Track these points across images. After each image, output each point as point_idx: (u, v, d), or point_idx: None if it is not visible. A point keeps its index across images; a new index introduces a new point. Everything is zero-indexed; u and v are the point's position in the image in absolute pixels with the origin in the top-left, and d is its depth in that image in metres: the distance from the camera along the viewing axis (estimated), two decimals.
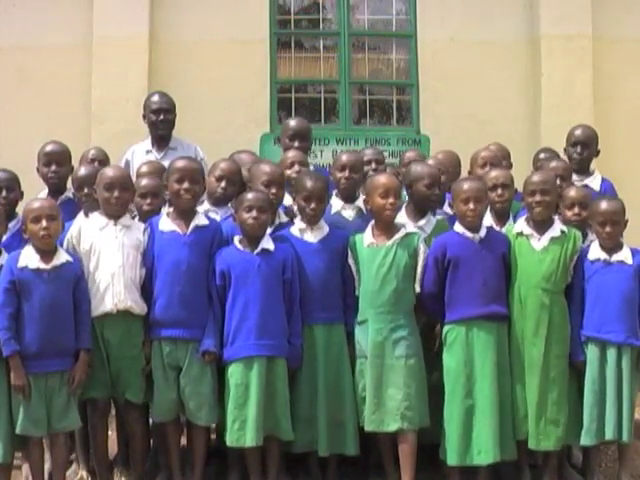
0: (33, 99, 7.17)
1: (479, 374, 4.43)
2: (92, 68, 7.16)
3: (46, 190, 5.10)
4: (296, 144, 5.36)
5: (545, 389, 4.48)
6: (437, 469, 4.58)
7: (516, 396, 4.51)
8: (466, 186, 4.56)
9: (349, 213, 4.86)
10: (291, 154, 5.14)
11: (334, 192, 4.94)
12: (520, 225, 4.65)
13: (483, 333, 4.46)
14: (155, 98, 5.85)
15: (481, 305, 4.45)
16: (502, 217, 4.85)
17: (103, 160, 5.32)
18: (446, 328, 4.53)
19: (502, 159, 5.49)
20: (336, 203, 4.91)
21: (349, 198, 4.89)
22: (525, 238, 4.60)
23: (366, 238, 4.57)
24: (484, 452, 4.38)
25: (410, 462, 4.41)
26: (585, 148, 5.53)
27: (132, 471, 4.64)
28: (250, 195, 4.52)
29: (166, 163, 5.51)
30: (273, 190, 4.67)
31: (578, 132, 5.59)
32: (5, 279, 4.25)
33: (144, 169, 5.07)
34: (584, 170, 5.47)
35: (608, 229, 4.58)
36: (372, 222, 4.61)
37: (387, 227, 4.55)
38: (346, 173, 4.85)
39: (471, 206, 4.50)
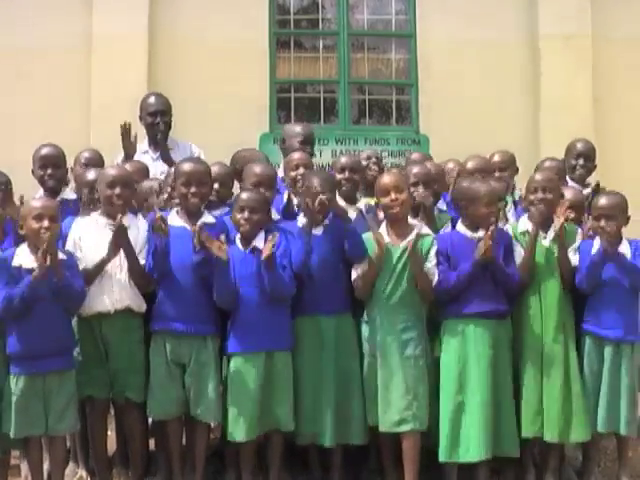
0: (33, 99, 7.18)
1: (473, 371, 4.44)
2: (92, 68, 7.18)
3: (41, 191, 5.09)
4: (308, 150, 5.46)
5: (569, 382, 4.51)
6: (439, 470, 4.58)
7: (526, 393, 4.51)
8: (484, 189, 4.60)
9: (351, 214, 4.86)
10: (296, 156, 5.16)
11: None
12: (524, 224, 4.69)
13: (479, 330, 4.47)
14: (151, 100, 5.84)
15: (478, 302, 4.47)
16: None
17: (97, 163, 5.24)
18: (443, 324, 4.56)
19: (509, 165, 5.55)
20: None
21: (350, 199, 4.93)
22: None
23: None
24: (472, 449, 4.39)
25: (414, 462, 4.42)
26: (588, 160, 5.63)
27: (131, 471, 4.63)
28: (243, 195, 4.56)
29: (162, 163, 5.60)
30: (262, 190, 4.69)
31: (580, 145, 5.69)
32: (1, 280, 4.23)
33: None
34: (582, 182, 5.54)
35: (602, 223, 4.60)
36: (385, 221, 4.61)
37: (399, 226, 4.53)
38: (346, 174, 4.93)
39: (492, 209, 4.57)
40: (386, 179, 4.59)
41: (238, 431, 4.38)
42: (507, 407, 4.48)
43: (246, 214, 4.47)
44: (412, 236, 4.48)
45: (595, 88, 7.40)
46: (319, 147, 6.94)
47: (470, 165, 5.44)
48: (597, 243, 4.64)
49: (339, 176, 4.93)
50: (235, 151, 5.44)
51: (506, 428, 4.46)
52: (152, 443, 4.80)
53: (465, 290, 4.48)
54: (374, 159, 5.41)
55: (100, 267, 4.42)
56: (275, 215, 4.83)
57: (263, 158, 5.32)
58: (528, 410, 4.51)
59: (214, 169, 4.92)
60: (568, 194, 4.85)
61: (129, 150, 5.54)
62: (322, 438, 4.48)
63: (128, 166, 5.11)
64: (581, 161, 5.61)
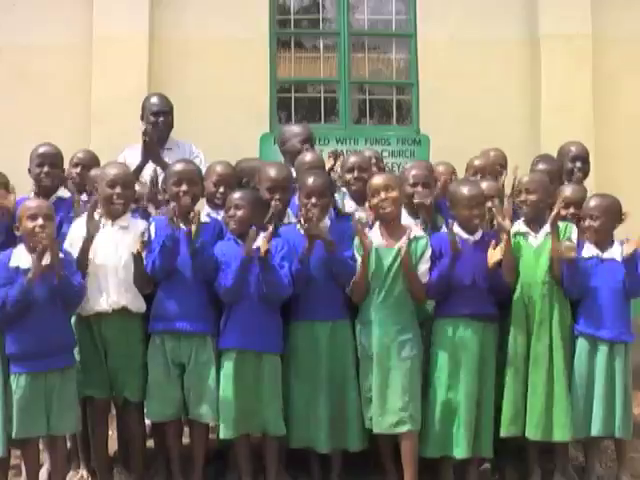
0: (33, 99, 7.17)
1: (463, 370, 4.49)
2: (92, 68, 7.16)
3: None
4: (306, 147, 5.46)
5: (552, 381, 4.54)
6: (438, 470, 4.59)
7: (509, 392, 4.55)
8: (466, 192, 4.61)
9: (361, 215, 4.85)
10: (308, 158, 5.14)
11: (346, 194, 5.01)
12: (516, 225, 4.72)
13: (470, 331, 4.52)
14: (154, 100, 5.85)
15: (470, 304, 4.51)
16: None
17: (91, 164, 5.23)
18: (435, 323, 4.60)
19: (498, 166, 5.56)
20: (349, 205, 4.96)
21: (361, 200, 4.90)
22: (522, 236, 4.69)
23: (374, 240, 4.54)
24: (461, 446, 4.44)
25: (412, 462, 4.43)
26: (584, 163, 5.63)
27: (132, 472, 4.63)
28: (230, 195, 4.60)
29: None
30: (278, 195, 4.69)
31: (575, 148, 5.68)
32: None
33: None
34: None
35: (587, 223, 4.68)
36: (377, 223, 4.61)
37: (393, 228, 4.54)
38: (355, 173, 4.93)
39: (475, 212, 4.59)
40: (376, 180, 4.60)
41: (222, 427, 4.39)
42: (487, 410, 4.52)
43: (231, 212, 4.50)
44: (405, 238, 4.47)
45: (595, 88, 7.39)
46: (320, 147, 6.93)
47: (477, 163, 5.45)
48: (585, 247, 4.68)
49: (348, 176, 4.95)
50: (234, 151, 5.45)
51: (483, 429, 4.50)
52: (153, 443, 4.80)
53: (455, 292, 4.51)
54: (374, 159, 5.38)
55: (85, 250, 4.40)
56: (291, 217, 4.83)
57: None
58: (509, 409, 4.54)
59: (217, 169, 4.94)
60: (567, 191, 4.91)
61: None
62: (316, 444, 4.49)
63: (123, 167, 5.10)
64: (578, 164, 5.60)
